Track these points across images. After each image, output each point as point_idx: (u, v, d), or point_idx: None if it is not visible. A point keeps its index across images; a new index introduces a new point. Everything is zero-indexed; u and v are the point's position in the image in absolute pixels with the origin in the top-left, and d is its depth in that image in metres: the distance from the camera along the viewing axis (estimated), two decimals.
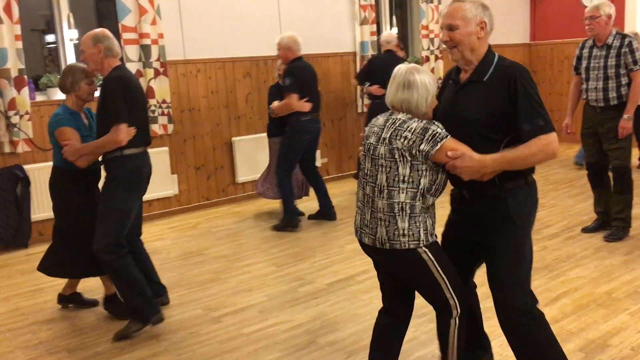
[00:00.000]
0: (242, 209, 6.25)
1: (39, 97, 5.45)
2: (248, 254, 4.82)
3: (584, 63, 4.60)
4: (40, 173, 5.25)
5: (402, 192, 2.30)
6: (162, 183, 5.93)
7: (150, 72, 5.76)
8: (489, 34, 2.37)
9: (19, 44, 5.09)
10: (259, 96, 6.56)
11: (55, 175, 3.60)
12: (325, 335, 3.35)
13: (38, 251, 4.71)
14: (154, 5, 5.68)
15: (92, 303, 3.90)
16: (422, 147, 2.27)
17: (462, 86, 2.41)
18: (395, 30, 7.76)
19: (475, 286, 2.74)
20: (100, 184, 3.56)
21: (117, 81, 3.31)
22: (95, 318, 3.74)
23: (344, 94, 7.31)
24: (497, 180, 2.34)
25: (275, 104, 5.33)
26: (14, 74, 5.07)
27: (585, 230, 4.88)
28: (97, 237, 3.35)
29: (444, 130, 2.30)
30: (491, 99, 2.30)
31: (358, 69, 7.02)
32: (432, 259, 2.35)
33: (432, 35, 7.83)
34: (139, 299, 3.39)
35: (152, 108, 5.79)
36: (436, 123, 2.33)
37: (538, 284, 3.79)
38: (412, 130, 2.29)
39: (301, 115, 5.23)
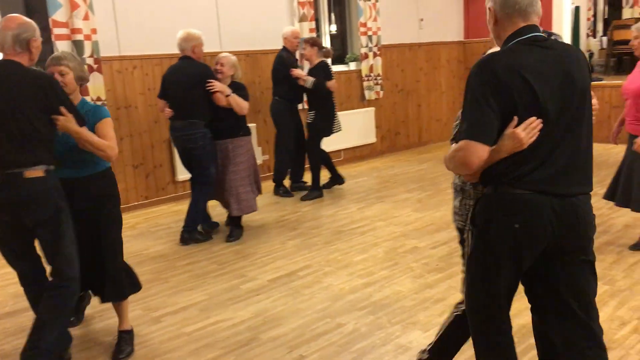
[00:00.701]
0: (182, 208, 6.12)
1: None
2: (189, 253, 4.77)
3: None
4: None
5: None
6: None
7: None
8: (503, 20, 2.21)
9: None
10: None
11: None
12: (268, 331, 3.36)
13: None
14: None
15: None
16: None
17: None
18: (334, 27, 7.84)
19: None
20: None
21: None
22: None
23: None
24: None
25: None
26: None
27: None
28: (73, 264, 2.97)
29: None
30: None
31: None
32: None
33: (370, 33, 7.93)
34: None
35: None
36: None
37: None
38: None
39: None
